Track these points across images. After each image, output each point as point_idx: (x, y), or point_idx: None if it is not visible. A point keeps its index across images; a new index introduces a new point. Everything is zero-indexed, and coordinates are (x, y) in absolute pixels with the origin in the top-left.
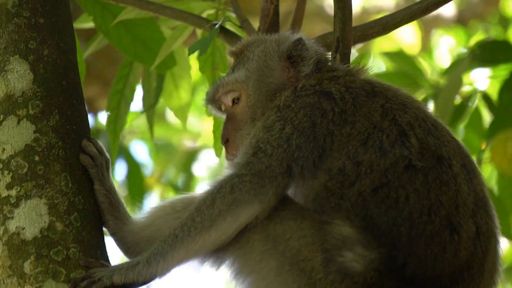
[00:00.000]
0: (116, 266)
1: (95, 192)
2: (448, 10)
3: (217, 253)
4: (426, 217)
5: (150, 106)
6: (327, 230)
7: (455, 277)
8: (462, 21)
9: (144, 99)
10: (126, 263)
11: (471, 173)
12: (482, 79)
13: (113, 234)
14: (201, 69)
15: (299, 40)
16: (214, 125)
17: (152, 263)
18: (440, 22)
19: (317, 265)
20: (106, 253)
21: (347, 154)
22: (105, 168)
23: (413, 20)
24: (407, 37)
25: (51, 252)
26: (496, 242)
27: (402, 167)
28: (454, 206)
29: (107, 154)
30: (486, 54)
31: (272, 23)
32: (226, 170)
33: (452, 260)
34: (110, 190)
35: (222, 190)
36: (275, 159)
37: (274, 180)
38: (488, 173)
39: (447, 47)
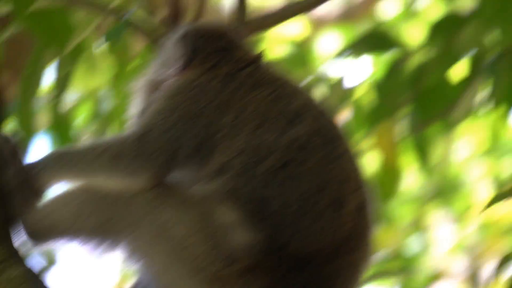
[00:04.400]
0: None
1: None
2: (332, 9)
3: (111, 237)
4: (317, 195)
5: (60, 91)
6: (214, 215)
7: (338, 249)
8: (344, 19)
9: (55, 84)
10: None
11: (352, 154)
12: (367, 66)
13: (14, 217)
14: (109, 54)
15: (183, 35)
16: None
17: (40, 175)
18: (325, 22)
19: (204, 251)
20: (12, 230)
21: (243, 138)
22: (12, 154)
23: (306, 11)
24: (296, 31)
25: None
26: (370, 215)
27: (296, 147)
28: (341, 181)
29: (13, 141)
30: (371, 44)
31: (174, 15)
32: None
33: (335, 235)
34: (16, 175)
35: (108, 153)
36: (163, 145)
37: (155, 165)
38: (371, 159)
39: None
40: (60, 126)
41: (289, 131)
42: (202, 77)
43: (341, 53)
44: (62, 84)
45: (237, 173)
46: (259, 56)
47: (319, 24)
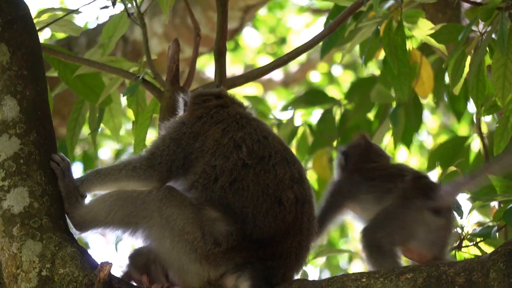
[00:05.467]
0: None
1: (58, 185)
2: (277, 76)
3: (133, 227)
4: (261, 198)
5: (94, 129)
6: (202, 213)
7: (285, 233)
8: (285, 83)
9: (90, 124)
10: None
11: (290, 162)
12: (307, 115)
13: (67, 213)
14: (129, 105)
15: (182, 98)
16: (135, 140)
17: (83, 185)
18: (272, 85)
19: (197, 237)
20: (67, 222)
21: (204, 162)
22: (66, 169)
23: (264, 75)
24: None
25: (30, 222)
26: (310, 206)
27: (240, 166)
28: (276, 184)
29: (68, 159)
30: (308, 98)
31: (174, 77)
32: (141, 153)
33: (282, 223)
34: (68, 184)
35: (128, 167)
36: (164, 159)
37: (160, 173)
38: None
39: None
40: (88, 157)
41: (233, 155)
42: (183, 117)
43: (288, 105)
44: (94, 125)
45: (202, 189)
46: (221, 104)
47: (268, 86)
